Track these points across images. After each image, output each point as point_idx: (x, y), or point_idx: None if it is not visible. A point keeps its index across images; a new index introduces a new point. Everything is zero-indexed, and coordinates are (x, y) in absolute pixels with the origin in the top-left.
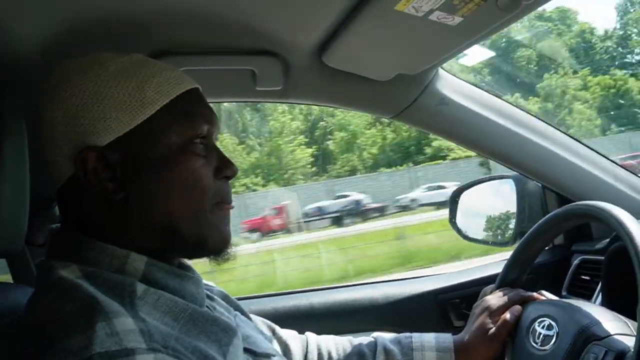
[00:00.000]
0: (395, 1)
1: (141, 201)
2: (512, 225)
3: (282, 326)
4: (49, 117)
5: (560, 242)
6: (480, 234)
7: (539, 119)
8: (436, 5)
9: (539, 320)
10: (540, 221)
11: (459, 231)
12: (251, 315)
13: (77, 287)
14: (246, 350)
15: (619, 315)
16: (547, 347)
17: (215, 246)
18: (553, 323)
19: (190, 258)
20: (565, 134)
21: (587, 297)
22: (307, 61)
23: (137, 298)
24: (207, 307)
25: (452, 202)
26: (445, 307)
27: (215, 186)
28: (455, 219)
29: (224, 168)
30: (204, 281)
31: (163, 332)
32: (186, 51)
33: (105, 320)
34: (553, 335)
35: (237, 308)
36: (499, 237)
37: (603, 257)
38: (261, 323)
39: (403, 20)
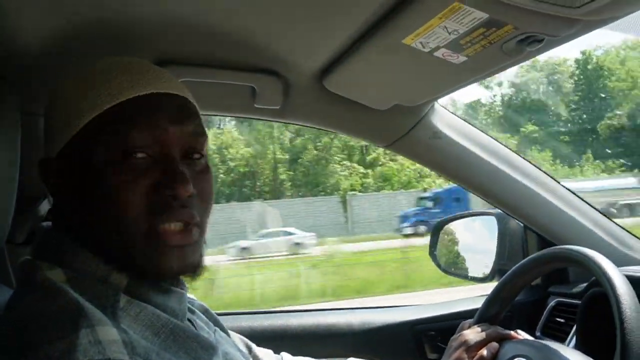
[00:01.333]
0: (404, 34)
1: (86, 218)
2: (491, 262)
3: (258, 345)
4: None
5: (538, 282)
6: (459, 268)
7: (525, 159)
8: (443, 43)
9: (515, 359)
10: (524, 260)
11: (437, 264)
12: (230, 332)
13: (62, 291)
14: None
15: None
16: None
17: (155, 275)
18: None
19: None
20: (550, 176)
21: (561, 339)
22: (307, 83)
23: (119, 309)
24: (188, 320)
25: (434, 234)
26: (420, 339)
27: (152, 206)
28: (435, 251)
29: (168, 184)
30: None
31: (144, 346)
32: (188, 62)
33: (89, 328)
34: None
35: (217, 323)
36: (477, 272)
37: (579, 301)
38: (238, 340)
39: (408, 54)
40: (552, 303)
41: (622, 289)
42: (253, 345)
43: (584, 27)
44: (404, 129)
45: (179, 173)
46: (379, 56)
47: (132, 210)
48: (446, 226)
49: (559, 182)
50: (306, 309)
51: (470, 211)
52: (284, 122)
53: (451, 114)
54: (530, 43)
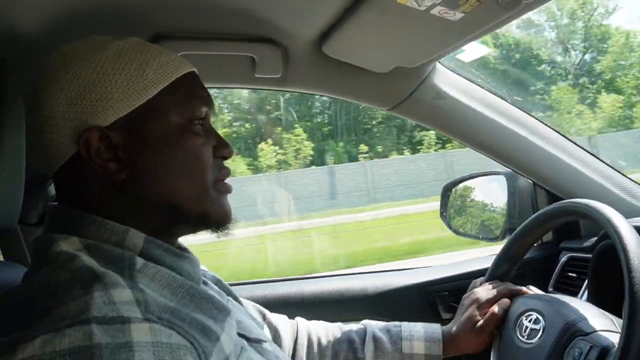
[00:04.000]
0: None
1: (144, 180)
2: (501, 221)
3: (275, 312)
4: (49, 99)
5: (549, 239)
6: (470, 229)
7: (532, 116)
8: (438, 0)
9: (526, 314)
10: (531, 217)
11: (448, 225)
12: (242, 300)
13: (76, 258)
14: (239, 334)
15: (605, 312)
16: (533, 341)
17: (218, 221)
18: (540, 317)
19: (194, 232)
20: (558, 132)
21: (573, 293)
22: (307, 50)
23: (136, 270)
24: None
25: (444, 196)
26: (433, 300)
27: (214, 164)
28: (445, 213)
29: (222, 148)
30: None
31: (160, 304)
32: (186, 36)
33: (103, 290)
34: (540, 329)
35: (230, 293)
36: (488, 232)
37: (590, 255)
38: (252, 308)
39: (405, 13)
40: (563, 258)
41: (630, 239)
42: (267, 312)
43: None
44: (406, 91)
45: (224, 139)
46: (376, 18)
47: (206, 166)
48: (455, 187)
49: (566, 138)
50: (319, 275)
51: (479, 172)
52: (286, 91)
53: (454, 74)
54: None
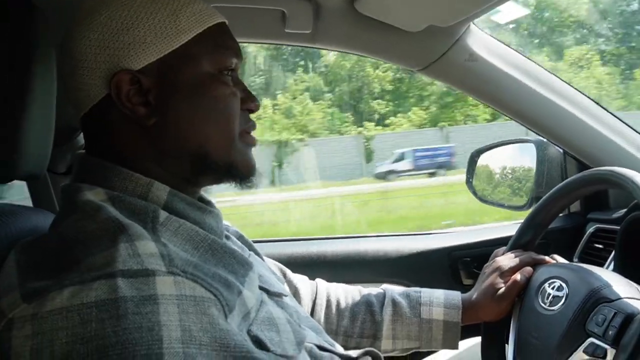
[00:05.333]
0: None
1: (173, 126)
2: (528, 190)
3: (295, 272)
4: (82, 40)
5: (577, 209)
6: (496, 196)
7: (566, 83)
8: None
9: (549, 281)
10: (559, 185)
11: (474, 192)
12: (264, 257)
13: (102, 209)
14: (260, 288)
15: (630, 281)
16: (555, 308)
17: (244, 171)
18: (563, 284)
19: (218, 183)
20: (592, 100)
21: (599, 265)
22: (338, 6)
23: (159, 224)
24: None
25: (471, 163)
26: (456, 265)
27: (241, 116)
28: (472, 180)
29: (249, 101)
30: None
31: (183, 258)
32: None
33: (128, 242)
34: (563, 296)
35: (251, 248)
36: (515, 200)
37: (618, 227)
38: (273, 265)
39: None
40: (590, 229)
41: None
42: (288, 271)
43: None
44: (438, 52)
45: (252, 92)
46: None
47: (235, 116)
48: (483, 154)
49: (602, 107)
50: (342, 236)
51: (508, 139)
52: (315, 47)
53: (488, 36)
54: None
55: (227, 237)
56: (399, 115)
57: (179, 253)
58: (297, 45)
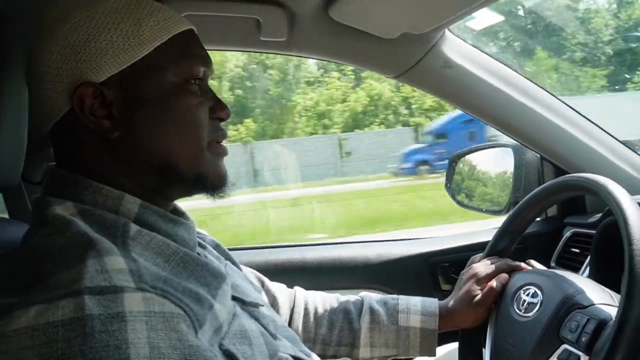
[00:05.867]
0: None
1: (138, 139)
2: (506, 194)
3: (273, 279)
4: (44, 53)
5: (554, 213)
6: (474, 201)
7: (542, 88)
8: None
9: (524, 288)
10: (534, 191)
11: (452, 196)
12: (241, 266)
13: (71, 224)
14: (235, 298)
15: (604, 287)
16: (530, 314)
17: (214, 182)
18: (538, 291)
19: (189, 195)
20: (567, 105)
21: (575, 269)
22: (313, 14)
23: (129, 238)
24: (197, 253)
25: (449, 167)
26: (434, 270)
27: (210, 126)
28: (450, 184)
29: (219, 109)
30: (197, 230)
31: (153, 273)
32: None
33: (97, 258)
34: (537, 303)
35: (228, 257)
36: (493, 205)
37: (594, 231)
38: (251, 274)
39: None
40: (567, 234)
41: (632, 213)
42: (266, 279)
43: None
44: (414, 59)
45: (222, 101)
46: None
47: (202, 126)
48: (462, 159)
49: (577, 112)
50: (322, 242)
51: (486, 143)
52: (291, 55)
53: (463, 42)
54: None
55: (203, 247)
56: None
57: (149, 268)
58: (273, 53)
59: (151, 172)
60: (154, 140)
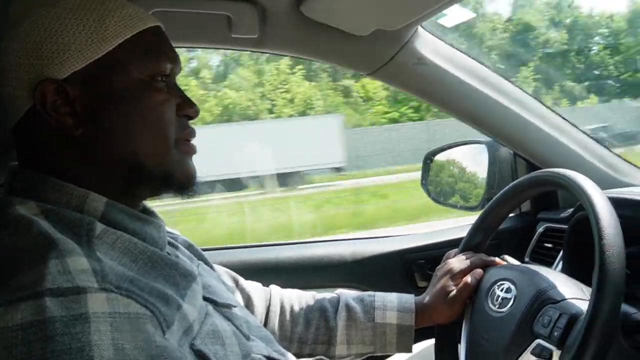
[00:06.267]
0: None
1: (102, 137)
2: (481, 191)
3: (248, 279)
4: (8, 48)
5: (527, 209)
6: (449, 198)
7: (514, 85)
8: None
9: (498, 283)
10: (506, 187)
11: (428, 193)
12: (215, 266)
13: (33, 224)
14: (206, 299)
15: (576, 282)
16: (504, 309)
17: (182, 181)
18: (512, 286)
19: (157, 194)
20: (540, 102)
21: (549, 264)
22: (285, 10)
23: (94, 237)
24: (167, 253)
25: (424, 165)
26: (410, 267)
27: (177, 123)
28: (426, 182)
29: (186, 107)
30: (169, 229)
31: (118, 273)
32: None
33: (59, 258)
34: (511, 298)
35: (201, 257)
36: (467, 201)
37: (566, 226)
38: (224, 274)
39: None
40: (540, 229)
41: (602, 207)
42: (240, 278)
43: None
44: (387, 56)
45: (189, 98)
46: None
47: (169, 124)
48: (436, 156)
49: (549, 108)
50: (297, 241)
51: (460, 140)
52: (263, 52)
53: (437, 39)
54: None
55: (175, 247)
56: None
57: (114, 268)
58: (245, 50)
59: (117, 170)
60: (119, 138)
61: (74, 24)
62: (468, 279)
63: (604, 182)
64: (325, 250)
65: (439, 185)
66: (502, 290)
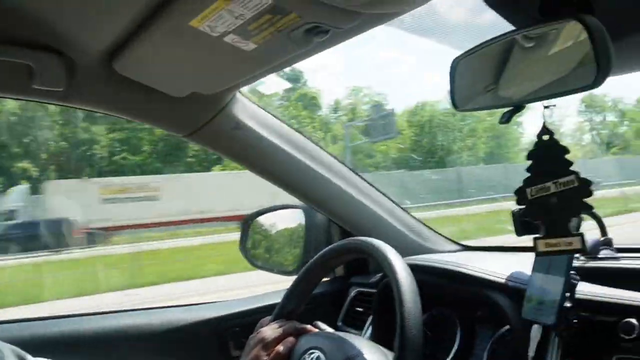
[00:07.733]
0: (190, 17)
1: None
2: (298, 255)
3: (43, 356)
4: None
5: (341, 274)
6: (267, 261)
7: (328, 153)
8: (231, 28)
9: (309, 352)
10: (319, 253)
11: (246, 257)
12: None
13: None
14: None
15: (381, 347)
16: None
17: None
18: (322, 355)
19: None
20: (350, 169)
21: (360, 327)
22: (96, 65)
23: None
24: None
25: (243, 228)
26: (224, 336)
27: None
28: (245, 245)
29: None
30: None
31: None
32: None
33: None
34: None
35: None
36: (284, 265)
37: (375, 290)
38: (9, 351)
39: (197, 38)
40: (352, 293)
41: (402, 276)
42: (28, 356)
43: (366, 20)
44: (204, 119)
45: None
46: (167, 39)
47: None
48: (256, 219)
49: (359, 175)
50: (101, 311)
51: (278, 205)
52: (70, 107)
53: (255, 105)
54: (317, 34)
55: None
56: None
57: None
58: (49, 103)
59: None
60: None
61: None
62: (280, 348)
63: (410, 248)
64: (132, 321)
65: (257, 249)
66: (312, 358)
